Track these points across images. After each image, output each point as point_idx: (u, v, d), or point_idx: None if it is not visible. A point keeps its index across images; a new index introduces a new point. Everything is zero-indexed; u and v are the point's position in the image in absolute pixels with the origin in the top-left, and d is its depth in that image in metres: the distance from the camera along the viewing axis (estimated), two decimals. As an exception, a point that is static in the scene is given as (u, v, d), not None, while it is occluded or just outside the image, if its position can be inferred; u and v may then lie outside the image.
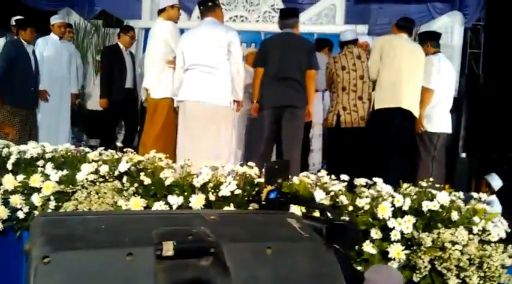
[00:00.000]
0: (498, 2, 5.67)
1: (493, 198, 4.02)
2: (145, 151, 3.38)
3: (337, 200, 2.05)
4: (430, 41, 4.24)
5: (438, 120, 4.12)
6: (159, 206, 2.19)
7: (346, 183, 2.19)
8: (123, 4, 7.56)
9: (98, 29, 7.33)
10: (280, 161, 2.04)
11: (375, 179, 2.21)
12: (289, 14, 4.19)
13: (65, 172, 2.42)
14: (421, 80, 3.98)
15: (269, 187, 1.65)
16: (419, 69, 3.94)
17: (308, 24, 6.57)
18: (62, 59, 5.27)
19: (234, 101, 3.79)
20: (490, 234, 1.96)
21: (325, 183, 2.25)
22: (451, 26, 6.05)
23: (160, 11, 4.17)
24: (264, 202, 1.65)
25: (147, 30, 7.15)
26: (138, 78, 5.35)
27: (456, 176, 5.11)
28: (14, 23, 5.20)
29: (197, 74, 3.71)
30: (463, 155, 5.50)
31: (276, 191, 1.64)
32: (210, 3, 3.82)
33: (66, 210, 2.30)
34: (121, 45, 5.27)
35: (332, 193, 2.11)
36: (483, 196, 2.09)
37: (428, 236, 1.92)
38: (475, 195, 2.13)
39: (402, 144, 3.86)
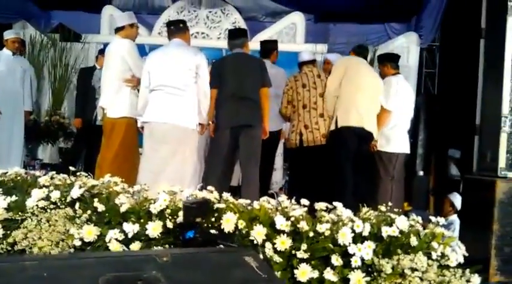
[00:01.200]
0: (452, 24, 5.88)
1: (455, 217, 4.09)
2: (102, 173, 3.33)
3: (298, 226, 2.02)
4: (390, 63, 4.34)
5: (396, 140, 4.20)
6: (113, 234, 2.10)
7: (306, 208, 2.16)
8: (82, 18, 7.36)
9: (54, 43, 7.11)
10: (199, 200, 2.00)
11: (335, 203, 2.20)
12: (237, 34, 4.27)
13: (14, 198, 2.30)
14: (379, 101, 4.07)
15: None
16: (378, 91, 4.05)
17: (269, 42, 6.61)
18: (16, 75, 5.10)
19: (199, 124, 3.77)
20: (448, 259, 1.97)
21: (286, 207, 2.23)
22: (407, 47, 6.23)
23: (118, 29, 4.11)
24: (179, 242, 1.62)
25: (105, 45, 7.02)
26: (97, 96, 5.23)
27: (414, 194, 5.22)
28: None
29: (164, 95, 3.70)
30: (421, 173, 5.63)
31: (194, 230, 1.61)
32: (181, 25, 3.89)
33: (16, 239, 2.18)
34: (97, 67, 5.19)
35: (293, 219, 2.08)
36: (441, 220, 2.11)
37: (388, 263, 1.92)
38: (433, 218, 2.15)
39: (360, 163, 3.91)
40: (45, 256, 1.35)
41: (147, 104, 3.76)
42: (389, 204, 2.27)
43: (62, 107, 6.84)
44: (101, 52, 5.44)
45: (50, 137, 6.55)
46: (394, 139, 4.18)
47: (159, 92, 3.71)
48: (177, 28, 3.85)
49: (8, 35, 5.25)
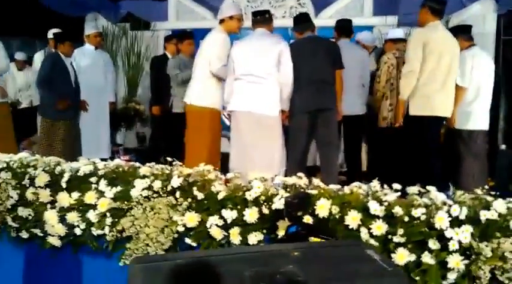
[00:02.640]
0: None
1: None
2: (193, 159, 3.56)
3: (393, 211, 2.05)
4: (462, 35, 4.05)
5: (476, 117, 3.99)
6: (213, 220, 2.24)
7: (399, 193, 2.18)
8: (149, 6, 7.61)
9: (125, 32, 7.40)
10: (300, 194, 2.05)
11: (428, 187, 2.20)
12: (304, 19, 4.29)
13: (119, 188, 2.49)
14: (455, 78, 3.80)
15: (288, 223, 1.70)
16: (456, 67, 3.73)
17: (336, 17, 6.48)
18: (98, 68, 5.39)
19: (282, 110, 3.88)
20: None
21: (377, 191, 2.26)
22: (482, 14, 5.91)
23: (220, 22, 4.22)
24: (285, 237, 1.70)
25: (174, 32, 7.23)
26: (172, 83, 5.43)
27: (497, 169, 5.02)
28: (52, 36, 5.30)
29: (247, 84, 3.82)
30: (503, 147, 5.39)
31: (296, 225, 1.68)
32: (266, 15, 3.98)
33: (124, 226, 2.38)
34: (168, 54, 5.36)
35: (386, 204, 2.11)
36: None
37: (487, 246, 1.91)
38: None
39: (440, 147, 3.74)
40: (192, 254, 1.48)
41: (232, 93, 3.89)
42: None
43: (137, 94, 7.16)
44: (167, 39, 5.52)
45: (127, 123, 6.90)
46: (474, 116, 3.99)
47: (243, 81, 3.84)
48: (263, 18, 3.95)
49: (90, 30, 5.53)
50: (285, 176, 3.58)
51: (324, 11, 6.58)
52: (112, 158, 5.37)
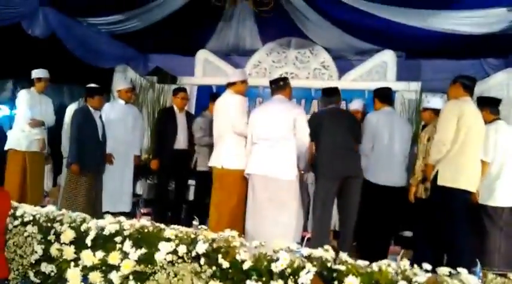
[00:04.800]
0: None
1: None
2: (222, 221, 3.90)
3: (423, 293, 2.00)
4: (490, 107, 4.04)
5: (501, 193, 3.89)
6: (238, 291, 2.20)
7: (430, 274, 2.13)
8: (177, 61, 7.85)
9: (152, 85, 7.61)
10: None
11: (459, 269, 2.15)
12: (332, 93, 4.36)
13: (143, 250, 2.48)
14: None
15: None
16: (480, 143, 3.68)
17: (359, 81, 6.63)
18: (127, 123, 5.50)
19: (301, 171, 3.98)
20: None
21: (406, 270, 2.21)
22: (507, 83, 5.95)
23: (230, 84, 4.40)
24: None
25: (200, 87, 7.42)
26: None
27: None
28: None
29: (264, 148, 3.93)
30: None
31: None
32: (281, 83, 4.17)
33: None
34: (175, 107, 5.44)
35: (416, 284, 2.06)
36: None
37: None
38: None
39: (467, 220, 3.62)
40: None
41: (250, 156, 4.04)
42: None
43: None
44: (175, 92, 5.55)
45: (146, 174, 6.94)
46: (498, 192, 3.89)
47: (260, 145, 3.97)
48: (277, 86, 4.17)
49: (121, 85, 5.72)
50: (309, 241, 3.62)
51: (348, 74, 6.69)
52: (133, 213, 5.41)
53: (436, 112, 3.95)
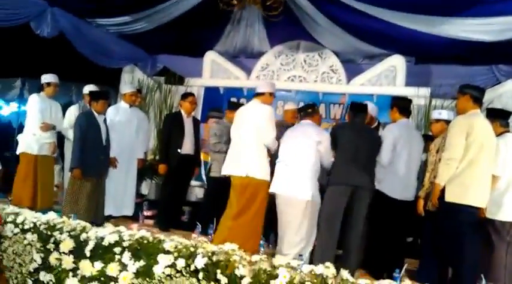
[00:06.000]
0: None
1: None
2: (243, 229, 4.09)
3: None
4: (499, 120, 3.93)
5: (509, 207, 3.78)
6: (235, 308, 2.17)
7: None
8: (184, 62, 7.82)
9: (160, 85, 7.59)
10: None
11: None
12: (361, 110, 4.34)
13: (142, 262, 2.46)
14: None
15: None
16: (491, 157, 3.59)
17: (367, 85, 6.56)
18: (132, 126, 5.48)
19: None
20: None
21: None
22: (518, 90, 5.85)
23: (259, 94, 4.46)
24: None
25: (207, 89, 7.39)
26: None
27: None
28: (87, 93, 5.51)
29: (285, 168, 4.15)
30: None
31: None
32: (309, 110, 4.42)
33: (143, 304, 2.33)
34: (183, 112, 5.37)
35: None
36: None
37: None
38: None
39: (474, 236, 3.54)
40: None
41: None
42: None
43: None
44: (184, 97, 5.49)
45: (151, 175, 6.93)
46: (506, 206, 3.78)
47: (282, 164, 4.17)
48: (306, 112, 4.41)
49: (126, 89, 5.70)
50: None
51: (356, 78, 6.62)
52: (136, 216, 5.39)
53: (448, 123, 3.87)
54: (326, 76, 6.82)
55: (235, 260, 2.42)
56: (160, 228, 5.00)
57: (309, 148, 4.12)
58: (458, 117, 3.63)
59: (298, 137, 4.21)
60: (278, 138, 4.40)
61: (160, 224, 5.10)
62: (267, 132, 4.23)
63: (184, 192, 5.60)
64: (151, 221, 5.32)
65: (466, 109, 3.63)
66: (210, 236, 4.69)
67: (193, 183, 6.73)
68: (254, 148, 4.25)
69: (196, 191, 6.96)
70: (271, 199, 4.23)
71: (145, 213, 5.55)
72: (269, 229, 4.44)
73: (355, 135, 4.11)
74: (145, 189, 7.16)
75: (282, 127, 4.91)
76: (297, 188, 4.04)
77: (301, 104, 6.81)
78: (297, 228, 4.02)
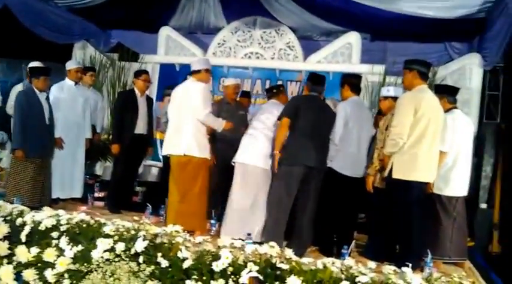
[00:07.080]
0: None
1: None
2: (186, 206, 4.06)
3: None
4: (448, 96, 3.96)
5: (456, 183, 3.85)
6: (176, 291, 2.11)
7: (374, 274, 2.08)
8: (139, 38, 7.57)
9: (113, 62, 7.33)
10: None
11: (404, 268, 2.10)
12: (320, 82, 4.29)
13: (79, 247, 2.36)
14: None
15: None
16: (439, 133, 3.61)
17: (323, 62, 6.51)
18: (77, 105, 5.22)
19: None
20: None
21: (351, 267, 2.15)
22: (469, 68, 5.92)
23: (194, 72, 4.34)
24: None
25: (162, 65, 7.18)
26: (154, 122, 5.39)
27: (477, 228, 4.94)
28: (28, 70, 5.19)
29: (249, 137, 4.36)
30: (484, 206, 5.31)
31: None
32: (274, 90, 4.66)
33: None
34: (136, 90, 5.14)
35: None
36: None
37: None
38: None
39: (421, 211, 3.59)
40: None
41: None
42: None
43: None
44: (136, 75, 5.26)
45: (104, 155, 6.73)
46: (453, 181, 3.84)
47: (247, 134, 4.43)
48: (271, 93, 4.66)
49: (70, 65, 5.38)
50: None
51: (312, 55, 6.56)
52: (85, 198, 5.21)
53: (396, 100, 3.86)
54: (283, 53, 6.73)
55: (178, 242, 2.36)
56: (110, 210, 4.87)
57: (272, 121, 4.25)
58: (406, 94, 3.63)
59: (264, 114, 4.41)
60: (218, 115, 4.45)
61: (110, 205, 4.95)
62: (199, 108, 4.14)
63: (135, 172, 5.45)
64: (101, 203, 5.15)
65: (413, 84, 3.63)
66: (161, 218, 4.64)
67: (149, 162, 6.62)
68: (191, 126, 4.16)
69: (153, 171, 6.83)
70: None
71: (97, 195, 5.38)
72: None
73: (314, 112, 4.03)
74: (99, 169, 6.97)
75: (223, 104, 4.98)
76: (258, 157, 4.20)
77: (258, 82, 6.92)
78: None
